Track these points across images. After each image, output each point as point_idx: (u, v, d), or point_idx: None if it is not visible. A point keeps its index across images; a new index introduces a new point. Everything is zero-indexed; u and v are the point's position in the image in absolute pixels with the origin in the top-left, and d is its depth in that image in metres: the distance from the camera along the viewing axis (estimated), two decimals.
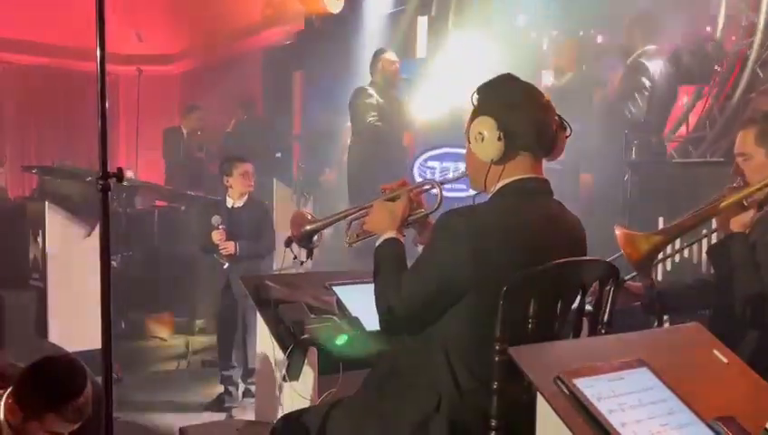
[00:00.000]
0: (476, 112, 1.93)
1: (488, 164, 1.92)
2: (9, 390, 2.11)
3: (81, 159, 10.74)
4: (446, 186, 2.29)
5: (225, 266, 4.45)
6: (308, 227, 2.35)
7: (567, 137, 2.01)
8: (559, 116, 1.99)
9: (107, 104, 1.66)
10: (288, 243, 2.44)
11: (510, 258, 1.81)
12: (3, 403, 2.12)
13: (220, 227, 4.39)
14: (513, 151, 1.89)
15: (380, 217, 2.12)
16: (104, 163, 1.56)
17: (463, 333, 1.85)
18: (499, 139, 1.87)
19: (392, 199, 2.15)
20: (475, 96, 1.97)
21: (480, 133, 1.89)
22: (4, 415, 2.11)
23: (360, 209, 2.25)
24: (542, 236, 1.88)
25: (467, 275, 1.81)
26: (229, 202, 4.54)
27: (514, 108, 1.88)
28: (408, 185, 2.20)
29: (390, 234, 2.07)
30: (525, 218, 1.89)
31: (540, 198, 1.94)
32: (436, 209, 2.13)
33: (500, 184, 1.93)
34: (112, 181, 1.57)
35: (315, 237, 2.37)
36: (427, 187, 2.23)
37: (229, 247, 4.37)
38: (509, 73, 2.01)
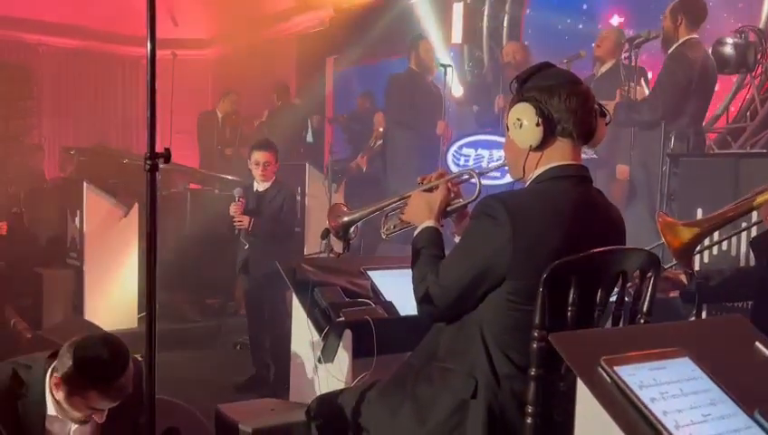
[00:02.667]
0: (515, 100, 1.94)
1: (527, 151, 1.91)
2: (54, 364, 2.17)
3: (117, 141, 10.91)
4: (489, 172, 2.28)
5: (245, 247, 4.50)
6: (345, 219, 2.33)
7: (607, 124, 2.00)
8: (599, 103, 1.98)
9: (148, 87, 1.67)
10: (325, 234, 2.42)
11: (548, 244, 1.81)
12: (49, 379, 2.18)
13: (240, 199, 4.44)
14: (551, 137, 1.89)
15: (419, 207, 2.12)
16: (152, 142, 1.57)
17: (500, 319, 1.85)
18: (537, 124, 1.87)
19: (430, 190, 2.15)
20: (514, 84, 1.97)
21: (519, 119, 1.89)
22: (50, 390, 2.17)
23: (398, 200, 2.25)
24: (581, 223, 1.87)
25: (506, 260, 1.81)
26: (254, 185, 4.59)
27: (553, 94, 1.88)
28: (446, 175, 2.19)
29: (429, 223, 2.07)
30: (564, 204, 1.88)
31: (579, 184, 1.93)
32: (474, 199, 2.12)
33: (538, 170, 1.93)
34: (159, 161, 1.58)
35: (352, 229, 2.36)
36: (465, 177, 2.22)
37: (243, 221, 4.41)
38: (547, 62, 2.01)
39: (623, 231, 2.02)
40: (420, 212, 2.11)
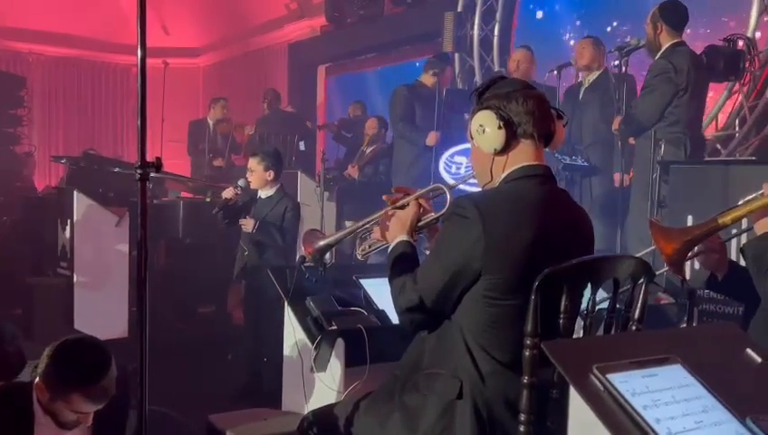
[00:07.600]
0: (475, 110, 2.01)
1: (492, 155, 1.98)
2: (39, 370, 2.16)
3: (108, 149, 10.87)
4: (462, 183, 2.35)
5: (245, 253, 4.49)
6: (320, 244, 2.37)
7: (564, 126, 2.08)
8: (553, 107, 2.05)
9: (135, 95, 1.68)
10: (302, 262, 2.46)
11: (520, 237, 1.85)
12: (35, 384, 2.16)
13: (239, 186, 4.43)
14: (514, 140, 1.96)
15: (391, 225, 2.15)
16: (143, 152, 1.57)
17: (478, 317, 1.88)
18: (500, 128, 1.94)
19: (401, 207, 2.18)
20: (474, 97, 2.05)
21: (481, 126, 1.96)
22: (36, 395, 2.16)
23: (370, 222, 2.29)
24: (549, 217, 1.92)
25: (480, 254, 1.84)
26: (259, 191, 4.59)
27: (510, 99, 1.96)
28: (405, 191, 2.23)
29: (401, 238, 2.10)
30: (533, 200, 1.93)
31: (545, 183, 1.99)
32: (444, 213, 2.13)
33: (505, 172, 1.98)
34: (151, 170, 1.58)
35: (328, 255, 2.39)
36: (436, 192, 2.24)
37: (248, 225, 4.41)
38: (501, 75, 2.09)
39: (590, 226, 2.08)
40: (393, 229, 2.14)
